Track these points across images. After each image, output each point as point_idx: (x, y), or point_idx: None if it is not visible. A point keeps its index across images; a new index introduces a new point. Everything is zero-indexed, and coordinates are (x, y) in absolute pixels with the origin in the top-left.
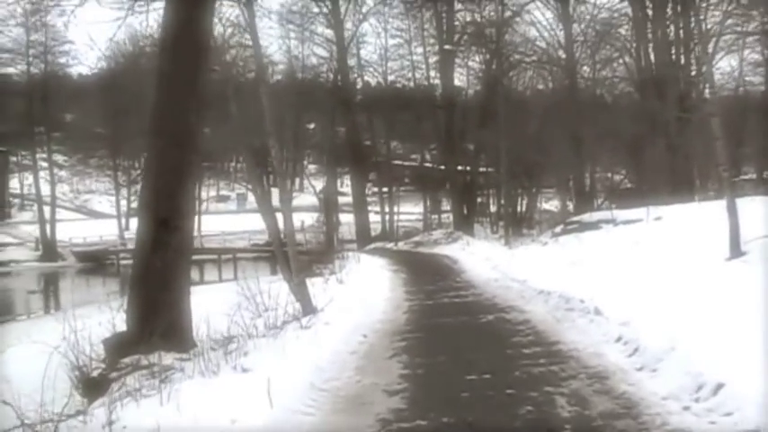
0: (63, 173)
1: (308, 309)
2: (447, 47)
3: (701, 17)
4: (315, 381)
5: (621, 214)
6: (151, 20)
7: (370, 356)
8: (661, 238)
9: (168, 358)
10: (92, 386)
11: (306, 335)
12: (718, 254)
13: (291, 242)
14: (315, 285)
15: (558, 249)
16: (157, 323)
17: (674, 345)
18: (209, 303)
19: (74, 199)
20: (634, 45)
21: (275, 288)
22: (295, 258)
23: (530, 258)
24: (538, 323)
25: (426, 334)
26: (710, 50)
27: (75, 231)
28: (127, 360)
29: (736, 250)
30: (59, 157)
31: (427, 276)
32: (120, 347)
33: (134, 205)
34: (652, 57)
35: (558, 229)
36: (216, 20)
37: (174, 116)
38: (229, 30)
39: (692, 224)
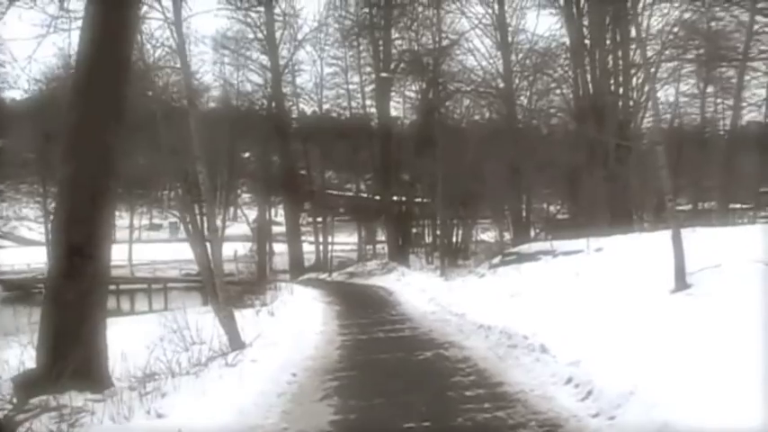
0: None
1: (236, 343)
2: (383, 74)
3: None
4: (236, 428)
5: (561, 245)
6: (75, 38)
7: (298, 398)
8: (603, 270)
9: (80, 399)
10: None
11: (230, 373)
12: (663, 286)
13: (219, 272)
14: (245, 317)
15: (497, 281)
16: (69, 360)
17: (632, 388)
18: (136, 336)
19: (2, 226)
20: (571, 76)
21: (204, 320)
22: (223, 289)
23: (467, 290)
24: (479, 360)
25: (360, 372)
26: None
27: (1, 259)
28: (35, 401)
29: (681, 282)
30: None
31: (361, 309)
32: (28, 386)
33: None
34: (590, 86)
35: (496, 260)
36: (145, 40)
37: (89, 136)
38: (159, 51)
39: (633, 255)
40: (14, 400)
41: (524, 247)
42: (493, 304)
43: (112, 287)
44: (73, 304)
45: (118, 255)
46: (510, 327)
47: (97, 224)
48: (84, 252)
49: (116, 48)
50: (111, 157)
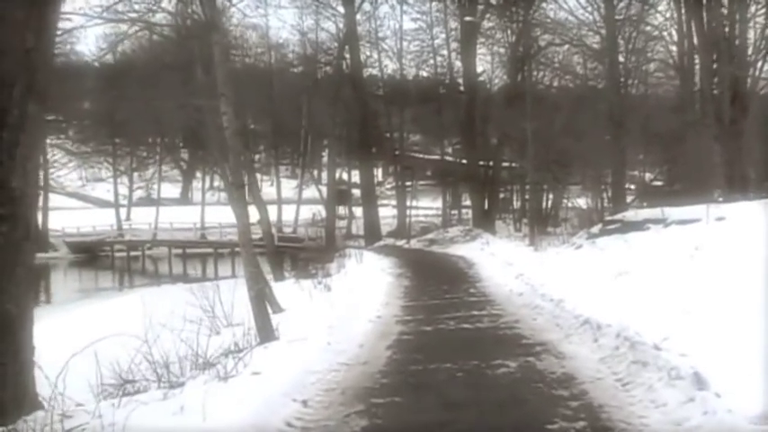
0: (65, 159)
1: (265, 332)
2: (468, 18)
3: None
4: None
5: (673, 212)
6: None
7: None
8: (730, 244)
9: None
10: None
11: (197, 404)
12: None
13: (246, 241)
14: (303, 290)
15: (597, 254)
16: None
17: None
18: (175, 310)
19: (80, 187)
20: (675, 27)
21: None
22: (251, 262)
23: (562, 265)
24: (589, 386)
25: (407, 399)
26: None
27: (72, 220)
28: None
29: None
30: (67, 143)
31: (434, 285)
32: None
33: (137, 193)
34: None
35: (596, 228)
36: None
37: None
38: None
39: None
40: None
41: (630, 214)
42: (597, 286)
43: (178, 251)
44: None
45: (190, 217)
46: (629, 326)
47: (11, 170)
48: None
49: None
50: (32, 68)
